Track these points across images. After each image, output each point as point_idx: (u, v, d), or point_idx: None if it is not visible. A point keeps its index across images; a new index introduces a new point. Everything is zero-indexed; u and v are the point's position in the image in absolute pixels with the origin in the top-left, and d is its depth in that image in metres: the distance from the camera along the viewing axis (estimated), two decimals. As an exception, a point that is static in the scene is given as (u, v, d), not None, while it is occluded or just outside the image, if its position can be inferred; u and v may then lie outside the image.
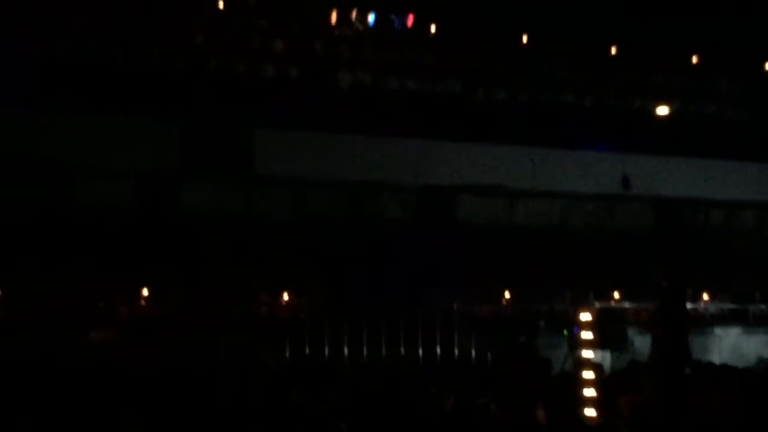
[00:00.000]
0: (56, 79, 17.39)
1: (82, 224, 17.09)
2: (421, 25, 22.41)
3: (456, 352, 16.94)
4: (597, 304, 16.76)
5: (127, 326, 15.81)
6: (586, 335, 12.91)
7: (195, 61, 19.53)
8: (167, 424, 11.85)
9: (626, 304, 19.03)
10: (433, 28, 22.49)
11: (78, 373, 12.98)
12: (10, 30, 17.94)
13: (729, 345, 19.24)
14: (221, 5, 20.79)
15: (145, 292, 17.14)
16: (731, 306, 20.82)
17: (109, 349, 14.61)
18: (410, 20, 22.33)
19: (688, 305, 16.47)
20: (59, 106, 17.21)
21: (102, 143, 17.40)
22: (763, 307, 20.70)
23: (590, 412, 12.24)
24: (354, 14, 21.69)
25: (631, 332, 17.29)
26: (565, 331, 15.52)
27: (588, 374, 12.58)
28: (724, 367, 15.02)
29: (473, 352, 16.98)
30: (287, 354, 15.94)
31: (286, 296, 17.69)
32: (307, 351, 16.17)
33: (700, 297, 20.28)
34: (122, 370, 13.34)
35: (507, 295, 19.13)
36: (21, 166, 16.97)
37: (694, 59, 24.05)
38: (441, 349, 16.84)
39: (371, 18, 21.89)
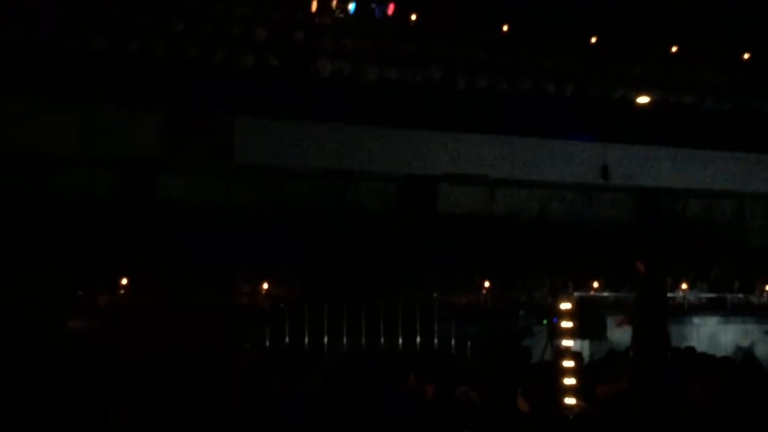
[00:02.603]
0: (36, 68, 17.30)
1: (61, 213, 17.02)
2: (402, 13, 22.40)
3: (436, 341, 16.95)
4: (576, 294, 16.81)
5: (106, 316, 15.75)
6: (566, 324, 12.97)
7: (175, 49, 19.45)
8: (148, 414, 11.84)
9: (605, 294, 19.09)
10: (413, 17, 22.49)
11: (58, 362, 12.94)
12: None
13: (707, 334, 19.31)
14: (202, -7, 20.78)
15: (124, 281, 17.06)
16: (709, 295, 20.88)
17: (89, 339, 14.57)
18: (391, 9, 22.32)
19: (667, 294, 16.54)
20: (38, 96, 17.13)
21: (82, 133, 17.33)
22: (740, 296, 20.76)
23: (570, 400, 12.31)
24: (335, 3, 21.66)
25: (610, 321, 17.34)
26: (545, 321, 15.58)
27: (568, 363, 12.63)
28: (704, 356, 15.07)
29: (453, 342, 16.99)
30: (267, 343, 15.92)
31: (266, 286, 17.63)
32: (287, 340, 16.15)
33: (678, 286, 20.34)
34: (102, 359, 13.30)
35: (487, 284, 19.14)
36: (1, 156, 16.89)
37: (674, 49, 24.13)
38: (421, 339, 16.85)
39: (352, 7, 21.86)
